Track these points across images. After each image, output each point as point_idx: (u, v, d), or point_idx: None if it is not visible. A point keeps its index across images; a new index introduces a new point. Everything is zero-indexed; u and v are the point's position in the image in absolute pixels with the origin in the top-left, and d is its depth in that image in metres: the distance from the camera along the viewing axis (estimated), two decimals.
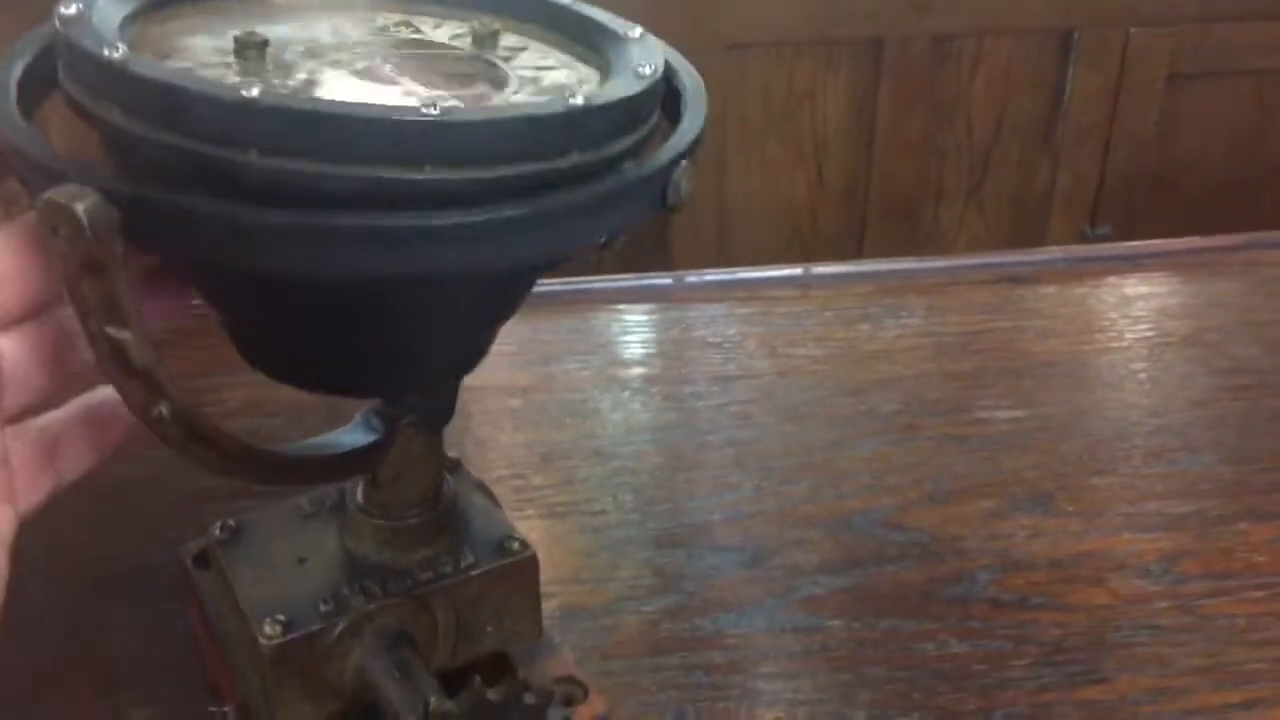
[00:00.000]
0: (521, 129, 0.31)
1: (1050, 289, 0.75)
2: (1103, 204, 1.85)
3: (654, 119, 0.36)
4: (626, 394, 0.65)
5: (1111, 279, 0.76)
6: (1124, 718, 0.46)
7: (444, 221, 0.30)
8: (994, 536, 0.55)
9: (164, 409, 0.33)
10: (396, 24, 0.41)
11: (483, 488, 0.47)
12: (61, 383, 0.35)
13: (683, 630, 0.50)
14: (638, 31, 0.39)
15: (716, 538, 0.55)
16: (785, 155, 1.71)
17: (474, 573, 0.43)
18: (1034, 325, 0.71)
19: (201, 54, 0.36)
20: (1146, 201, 1.86)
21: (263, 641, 0.40)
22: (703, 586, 0.52)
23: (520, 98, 0.36)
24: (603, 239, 0.34)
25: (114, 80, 0.31)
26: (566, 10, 0.40)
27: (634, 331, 0.71)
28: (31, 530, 0.35)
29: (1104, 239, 1.84)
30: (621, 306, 0.72)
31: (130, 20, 0.36)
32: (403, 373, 0.39)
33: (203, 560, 0.47)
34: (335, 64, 0.36)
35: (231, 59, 0.35)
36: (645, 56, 0.37)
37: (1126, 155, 1.84)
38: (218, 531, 0.45)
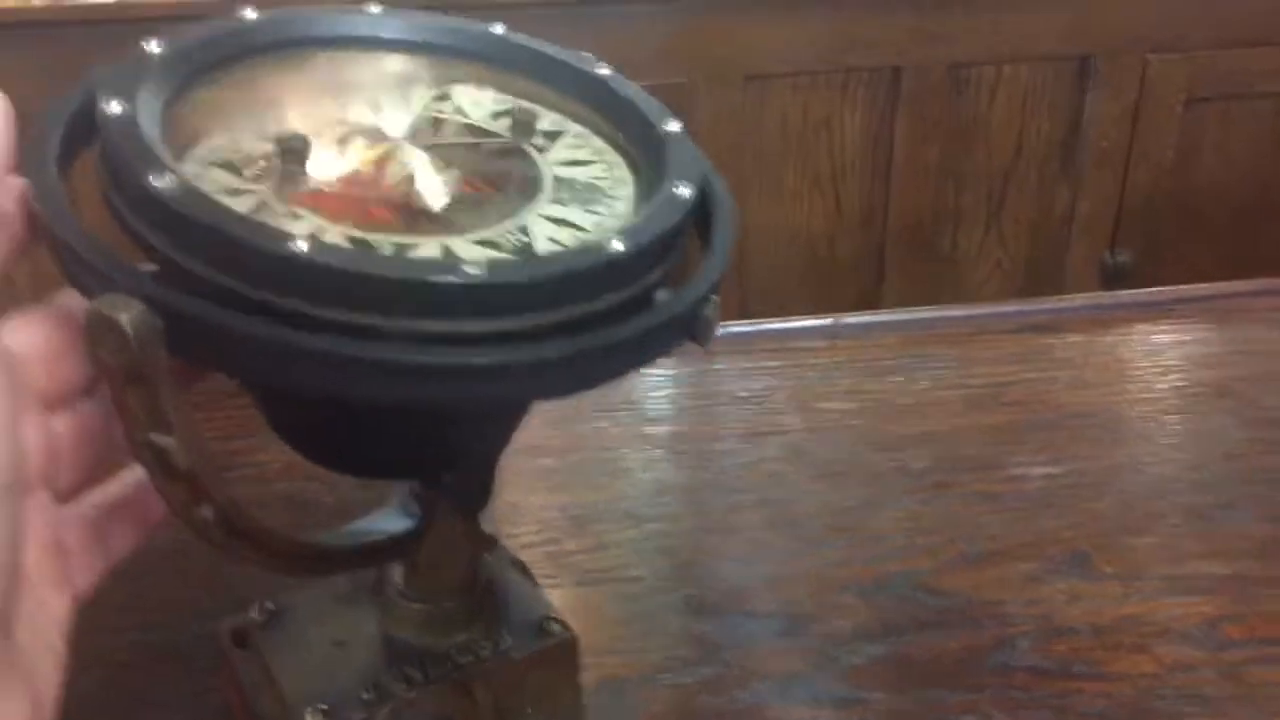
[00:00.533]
0: (561, 284, 0.31)
1: (1077, 338, 0.74)
2: (1123, 229, 1.84)
3: (684, 242, 0.36)
4: (658, 452, 0.65)
5: (1140, 326, 0.76)
6: None
7: (482, 361, 0.30)
8: (1033, 601, 0.55)
9: (207, 511, 0.33)
10: (436, 99, 0.41)
11: (519, 565, 0.47)
12: (110, 458, 0.35)
13: (722, 703, 0.49)
14: (676, 125, 0.39)
15: (753, 604, 0.55)
16: (803, 184, 1.71)
17: (514, 656, 0.43)
18: (1063, 376, 0.70)
19: (242, 144, 0.36)
20: (1167, 226, 1.85)
21: None
22: (740, 656, 0.52)
23: (555, 209, 0.36)
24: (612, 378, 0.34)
25: (160, 211, 0.31)
26: (606, 88, 0.40)
27: (662, 387, 0.70)
28: None
29: (1124, 266, 1.83)
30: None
31: (172, 103, 0.36)
32: (437, 459, 0.39)
33: (240, 637, 0.47)
34: (375, 171, 0.36)
35: (272, 159, 0.35)
36: (682, 169, 0.37)
37: (1146, 180, 1.83)
38: (255, 614, 0.44)
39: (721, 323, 0.76)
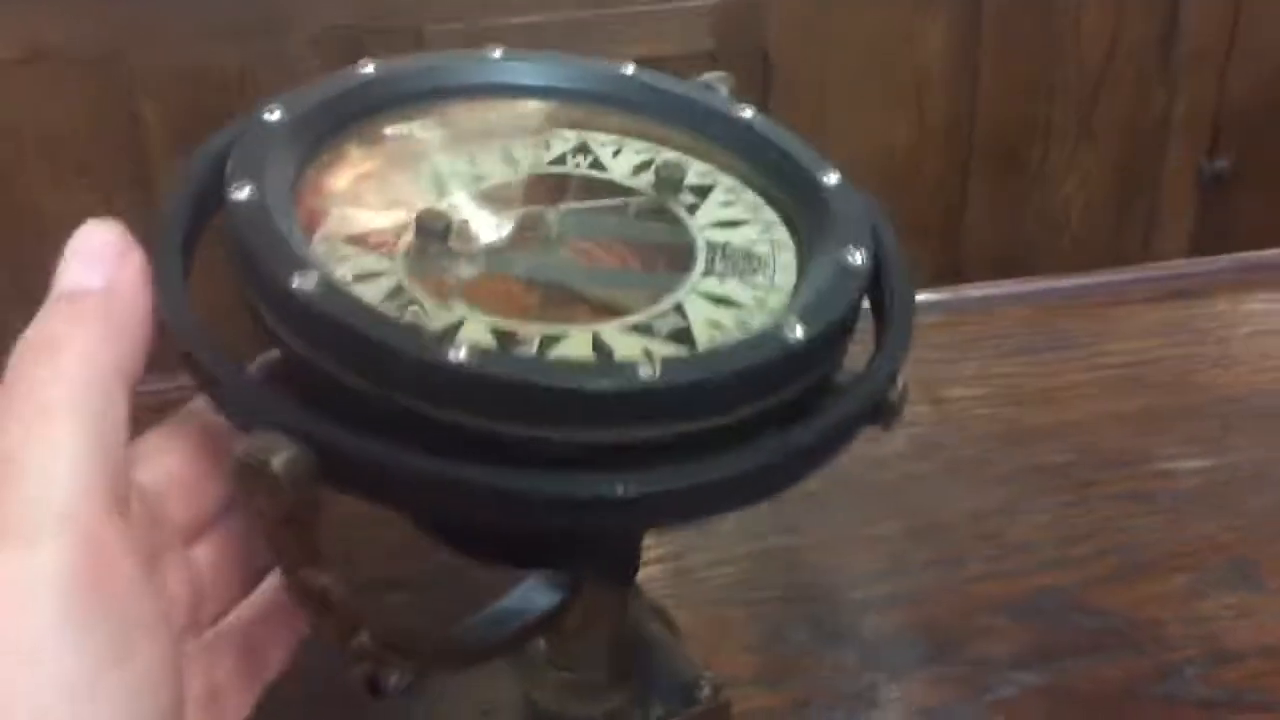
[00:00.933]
0: (737, 382, 0.28)
1: (1223, 306, 0.69)
2: (1222, 133, 1.75)
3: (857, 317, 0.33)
4: None
5: None
6: None
7: (657, 488, 0.27)
8: (1196, 619, 0.51)
9: (364, 637, 0.31)
10: (573, 151, 0.37)
11: (661, 614, 0.45)
12: (256, 578, 0.33)
13: None
14: (835, 177, 0.35)
15: (895, 627, 0.52)
16: (885, 99, 1.64)
17: None
18: (1208, 353, 0.66)
19: (371, 212, 0.33)
20: (1269, 129, 1.76)
21: None
22: (885, 686, 0.49)
23: (711, 284, 0.33)
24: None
25: (299, 313, 0.28)
26: (753, 134, 0.36)
27: None
28: None
29: (1222, 172, 1.75)
30: None
31: (303, 172, 0.33)
32: (586, 550, 0.37)
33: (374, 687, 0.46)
34: (516, 244, 0.33)
35: (404, 229, 0.32)
36: (850, 229, 0.33)
37: (1247, 79, 1.73)
38: (396, 679, 0.43)
39: None
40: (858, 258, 0.32)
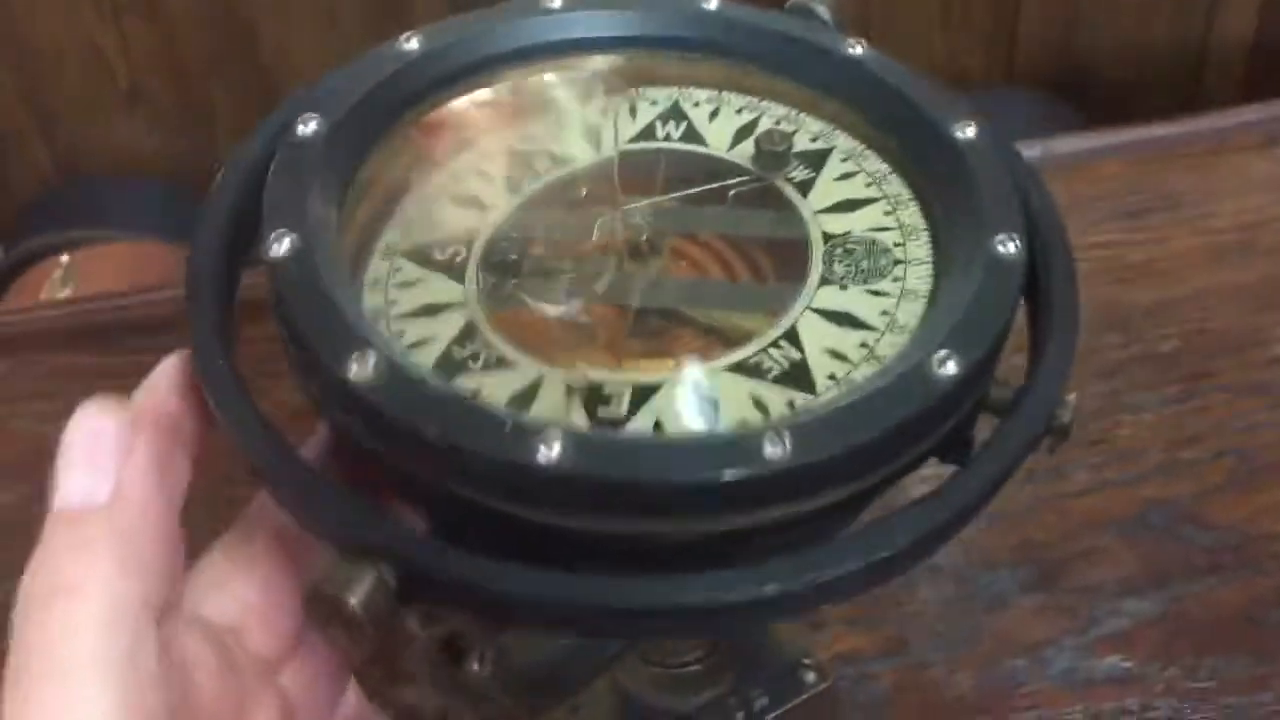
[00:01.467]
0: (880, 441, 0.23)
1: None
2: None
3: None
4: None
5: None
6: None
7: (795, 587, 0.23)
8: None
9: None
10: (662, 118, 0.31)
11: None
12: (345, 684, 0.30)
13: (965, 688, 0.45)
14: (973, 129, 0.29)
15: (993, 549, 0.49)
16: None
17: (768, 717, 0.38)
18: None
19: (434, 215, 0.28)
20: None
21: None
22: (990, 622, 0.47)
23: (830, 296, 0.28)
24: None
25: (361, 407, 0.23)
26: (870, 76, 0.30)
27: None
28: None
29: None
30: None
31: (342, 196, 0.28)
32: None
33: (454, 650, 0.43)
34: (600, 260, 0.28)
35: (480, 243, 0.28)
36: (999, 208, 0.27)
37: None
38: (476, 666, 0.40)
39: None
40: (1012, 247, 0.27)
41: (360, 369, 0.23)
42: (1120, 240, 0.60)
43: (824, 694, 0.39)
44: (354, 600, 0.22)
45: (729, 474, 0.23)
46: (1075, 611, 0.47)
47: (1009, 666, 0.45)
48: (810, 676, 0.39)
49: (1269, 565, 0.47)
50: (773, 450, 0.23)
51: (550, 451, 0.22)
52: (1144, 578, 0.47)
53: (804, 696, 0.39)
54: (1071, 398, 0.27)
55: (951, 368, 0.24)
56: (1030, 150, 0.62)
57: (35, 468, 0.24)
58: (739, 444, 0.23)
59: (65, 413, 0.24)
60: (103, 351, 0.55)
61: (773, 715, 0.38)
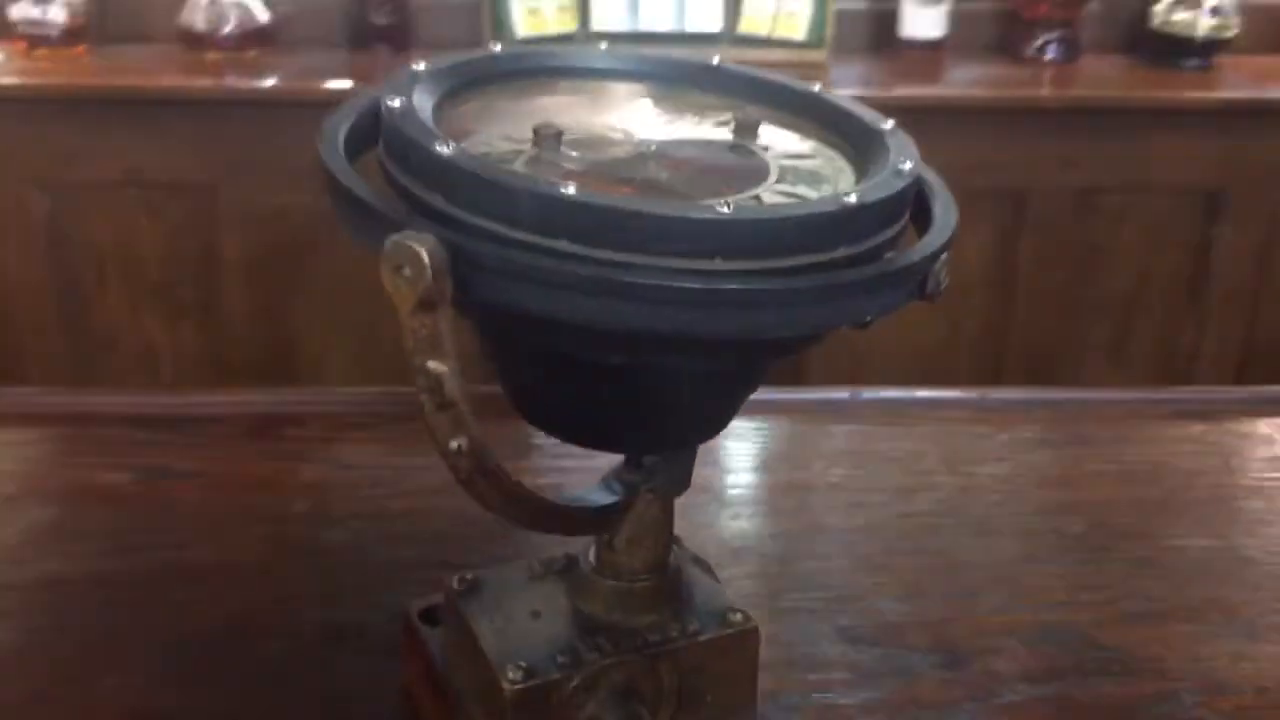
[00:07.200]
0: (801, 225, 0.34)
1: (1232, 424, 0.74)
2: (1250, 368, 1.82)
3: (907, 215, 0.39)
4: (813, 497, 0.66)
5: None
6: None
7: (733, 286, 0.33)
8: (1197, 659, 0.54)
9: (462, 443, 0.36)
10: (676, 117, 0.44)
11: (701, 562, 0.49)
12: None
13: None
14: (889, 124, 0.42)
15: (911, 639, 0.55)
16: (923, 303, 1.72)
17: (700, 639, 0.44)
18: (1216, 462, 0.71)
19: (496, 144, 0.40)
20: None
21: (505, 685, 0.42)
22: (901, 685, 0.52)
23: (783, 185, 0.39)
24: (867, 320, 0.37)
25: (442, 173, 0.35)
26: (819, 100, 0.44)
27: (816, 441, 0.72)
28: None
29: None
30: (798, 415, 0.74)
31: (438, 108, 0.40)
32: (648, 434, 0.42)
33: (428, 617, 0.50)
34: (618, 159, 0.40)
35: (525, 146, 0.39)
36: (901, 151, 0.39)
37: (1276, 319, 1.81)
38: (455, 584, 0.47)
39: (871, 388, 0.78)
40: (906, 165, 0.38)
41: (446, 149, 0.35)
42: (1045, 460, 0.70)
43: (749, 633, 0.45)
44: (422, 249, 0.33)
45: (693, 213, 0.34)
46: (979, 686, 0.52)
47: (917, 716, 0.51)
48: (738, 617, 0.45)
49: (1149, 676, 0.53)
50: (720, 209, 0.34)
51: (570, 188, 0.33)
52: (1041, 672, 0.53)
53: (732, 630, 0.45)
54: (944, 260, 0.37)
55: (853, 199, 0.35)
56: (972, 394, 0.74)
57: None
58: (701, 206, 0.35)
59: None
60: None
61: (705, 637, 0.44)
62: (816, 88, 0.44)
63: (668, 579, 0.45)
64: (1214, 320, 1.81)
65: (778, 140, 0.42)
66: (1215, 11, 1.82)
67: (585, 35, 1.82)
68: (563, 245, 0.34)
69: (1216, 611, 0.58)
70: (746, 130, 0.42)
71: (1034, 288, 1.74)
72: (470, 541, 0.59)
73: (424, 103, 0.39)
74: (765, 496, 0.66)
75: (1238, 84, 1.80)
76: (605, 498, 0.44)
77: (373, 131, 0.40)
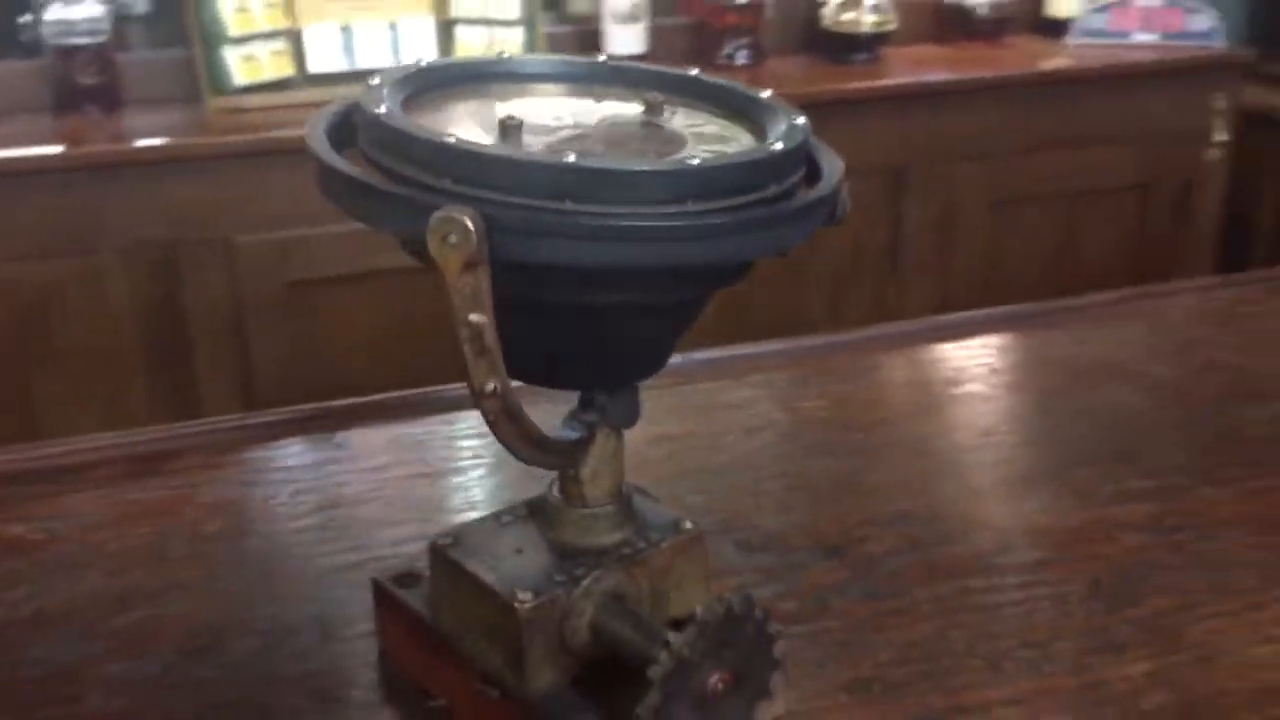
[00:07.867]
0: (746, 169, 0.43)
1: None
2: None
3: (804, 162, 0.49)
4: (678, 446, 0.75)
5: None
6: None
7: (687, 224, 0.42)
8: (1019, 515, 0.68)
9: (495, 385, 0.43)
10: (595, 104, 0.52)
11: (642, 490, 0.57)
12: None
13: (791, 606, 0.60)
14: (768, 93, 0.51)
15: (794, 541, 0.65)
16: None
17: (662, 545, 0.52)
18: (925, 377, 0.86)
19: (473, 132, 0.47)
20: None
21: (518, 607, 0.48)
22: (799, 576, 0.62)
23: (704, 147, 0.48)
24: (787, 249, 0.46)
25: (455, 159, 0.41)
26: (700, 82, 0.53)
27: (666, 401, 0.82)
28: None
29: None
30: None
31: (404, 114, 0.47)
32: (601, 370, 0.50)
33: (405, 581, 0.55)
34: (571, 137, 0.48)
35: (493, 134, 0.46)
36: (790, 113, 0.49)
37: (961, 276, 2.07)
38: (440, 541, 0.53)
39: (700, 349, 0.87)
40: (799, 119, 0.48)
41: (451, 139, 0.42)
42: (854, 390, 0.83)
43: (699, 537, 0.54)
44: (467, 218, 0.39)
45: (667, 167, 0.42)
46: (860, 564, 0.63)
47: (818, 595, 0.61)
48: (688, 525, 0.54)
49: (977, 534, 0.66)
50: (689, 161, 0.43)
51: (569, 157, 0.41)
52: (906, 546, 0.65)
53: (686, 536, 0.53)
54: (844, 190, 0.47)
55: (780, 145, 0.45)
56: (788, 344, 0.85)
57: None
58: (674, 162, 0.43)
59: None
60: None
61: (665, 544, 0.52)
62: (695, 72, 0.53)
63: (624, 503, 0.53)
64: (911, 283, 2.05)
65: (679, 115, 0.51)
66: (876, 9, 2.06)
67: (304, 79, 1.85)
68: (567, 205, 0.41)
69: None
70: (654, 109, 0.51)
71: (762, 263, 1.91)
72: (382, 529, 0.64)
73: (395, 109, 0.45)
74: (639, 449, 0.75)
75: (902, 71, 2.06)
76: (575, 434, 0.51)
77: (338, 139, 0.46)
